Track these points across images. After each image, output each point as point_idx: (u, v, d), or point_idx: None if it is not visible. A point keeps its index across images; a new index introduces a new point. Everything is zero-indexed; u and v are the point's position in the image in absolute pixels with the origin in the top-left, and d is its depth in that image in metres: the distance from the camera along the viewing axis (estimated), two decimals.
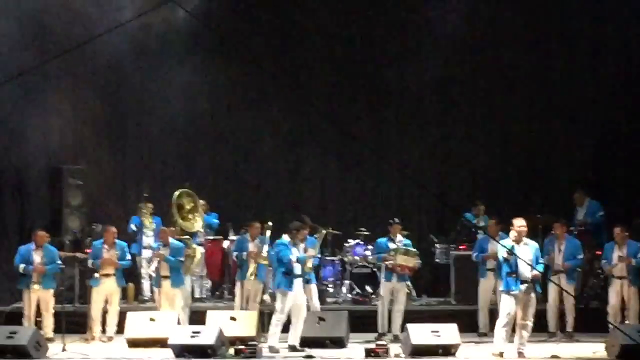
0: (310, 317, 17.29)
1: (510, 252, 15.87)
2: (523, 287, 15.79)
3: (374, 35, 22.34)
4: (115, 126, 22.46)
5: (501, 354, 15.85)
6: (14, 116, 21.06)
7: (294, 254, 16.85)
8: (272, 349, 16.39)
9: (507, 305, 15.95)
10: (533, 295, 15.99)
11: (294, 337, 16.51)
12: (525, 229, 16.14)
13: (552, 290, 17.63)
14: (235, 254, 18.82)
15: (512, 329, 15.98)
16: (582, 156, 21.73)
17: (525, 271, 15.84)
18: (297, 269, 16.89)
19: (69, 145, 21.84)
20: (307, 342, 16.74)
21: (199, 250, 19.07)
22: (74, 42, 20.51)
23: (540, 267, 16.43)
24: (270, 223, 18.78)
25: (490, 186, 21.93)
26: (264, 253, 18.44)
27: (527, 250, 16.01)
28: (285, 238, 17.24)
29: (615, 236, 17.60)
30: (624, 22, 21.35)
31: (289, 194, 22.29)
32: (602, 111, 21.85)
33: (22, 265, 17.89)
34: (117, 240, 18.43)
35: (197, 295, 19.90)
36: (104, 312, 18.17)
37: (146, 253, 19.59)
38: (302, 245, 17.28)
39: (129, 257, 18.59)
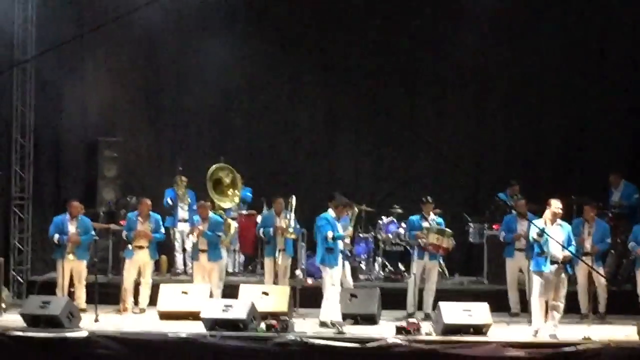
0: (342, 294, 17.28)
1: (542, 232, 15.94)
2: (553, 267, 15.88)
3: (411, 13, 22.12)
4: (151, 99, 22.57)
5: (535, 333, 15.91)
6: (51, 88, 21.26)
7: (336, 230, 17.05)
8: (339, 324, 16.35)
9: (538, 284, 16.08)
10: (564, 275, 16.06)
11: (326, 314, 16.59)
12: (561, 210, 16.22)
13: (581, 272, 17.57)
14: (261, 230, 18.91)
15: (545, 311, 16.05)
16: (619, 138, 21.61)
17: (557, 252, 15.91)
18: (339, 245, 17.08)
19: (106, 117, 22.07)
20: (326, 325, 16.70)
21: (233, 225, 19.16)
22: (111, 14, 20.92)
23: (572, 249, 16.40)
24: (294, 197, 18.89)
25: (525, 166, 21.90)
26: (291, 228, 18.54)
27: (560, 231, 16.09)
28: (331, 213, 17.44)
29: None
30: None
31: (323, 171, 22.23)
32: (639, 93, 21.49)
33: (56, 236, 18.11)
34: (151, 213, 18.58)
35: (230, 270, 19.93)
36: (137, 284, 18.34)
37: (181, 226, 19.88)
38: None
39: (162, 230, 18.82)
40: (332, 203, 17.73)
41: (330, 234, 17.02)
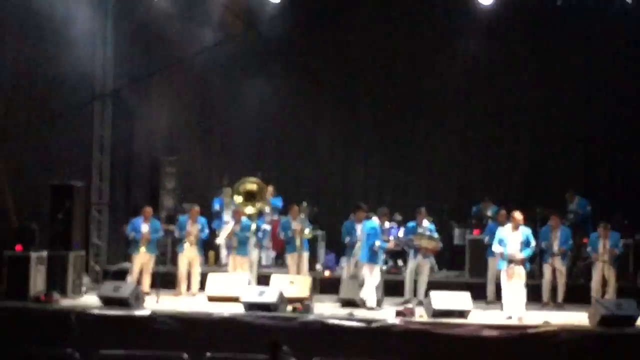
0: (354, 284, 17.34)
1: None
2: (510, 265, 16.14)
3: (411, 61, 22.23)
4: (203, 125, 22.73)
5: (507, 317, 15.97)
6: (124, 115, 21.28)
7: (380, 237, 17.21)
8: (378, 302, 16.85)
9: (503, 279, 16.31)
10: (522, 271, 16.21)
11: (366, 295, 16.91)
12: (521, 220, 16.40)
13: (547, 269, 17.69)
14: (282, 233, 18.87)
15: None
16: (574, 163, 21.80)
17: (515, 252, 16.15)
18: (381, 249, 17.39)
19: (167, 140, 22.30)
20: (350, 302, 16.84)
21: (264, 230, 19.23)
22: (175, 56, 21.33)
23: (527, 252, 16.50)
24: (305, 204, 18.97)
25: (499, 183, 21.88)
26: (306, 230, 18.51)
27: (520, 235, 16.26)
28: (376, 221, 17.51)
29: (599, 231, 17.54)
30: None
31: (339, 185, 22.26)
32: (591, 129, 21.81)
33: (132, 233, 18.23)
34: (199, 217, 18.59)
35: (264, 263, 19.96)
36: (189, 274, 18.42)
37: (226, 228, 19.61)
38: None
39: (207, 230, 18.75)
40: (380, 211, 17.81)
41: (377, 243, 17.13)
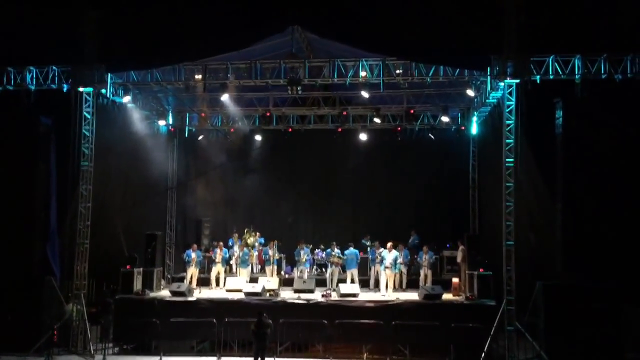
0: (300, 281, 17.10)
1: (381, 257, 16.97)
2: (385, 268, 16.78)
3: (325, 169, 21.61)
4: (223, 203, 21.59)
5: (383, 295, 16.45)
6: (183, 197, 21.49)
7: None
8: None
9: (383, 274, 16.81)
10: (391, 272, 16.80)
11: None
12: (391, 247, 17.10)
13: (397, 272, 17.47)
14: (264, 256, 18.53)
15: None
16: (411, 217, 20.61)
17: (389, 261, 16.90)
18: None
19: (204, 209, 21.64)
20: (299, 290, 16.54)
21: (254, 254, 19.18)
22: (207, 168, 21.67)
23: (398, 262, 16.99)
24: (276, 241, 18.39)
25: (375, 228, 19.88)
26: (276, 254, 18.18)
27: (393, 254, 17.02)
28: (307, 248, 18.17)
29: (424, 250, 17.71)
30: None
31: (292, 231, 21.16)
32: (418, 198, 20.72)
33: (186, 258, 18.06)
34: (224, 248, 18.41)
35: (254, 272, 19.36)
36: (217, 278, 18.24)
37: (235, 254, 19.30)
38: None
39: (227, 255, 18.50)
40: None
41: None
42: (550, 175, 15.96)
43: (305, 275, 18.19)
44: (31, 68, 15.71)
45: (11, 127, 16.19)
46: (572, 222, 15.54)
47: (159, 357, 14.65)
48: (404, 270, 17.75)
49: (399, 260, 17.19)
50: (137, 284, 16.47)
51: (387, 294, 16.76)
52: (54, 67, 15.67)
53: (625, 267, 14.61)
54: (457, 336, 14.40)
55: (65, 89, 15.63)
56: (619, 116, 14.91)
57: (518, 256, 14.26)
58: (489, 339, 14.16)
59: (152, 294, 16.58)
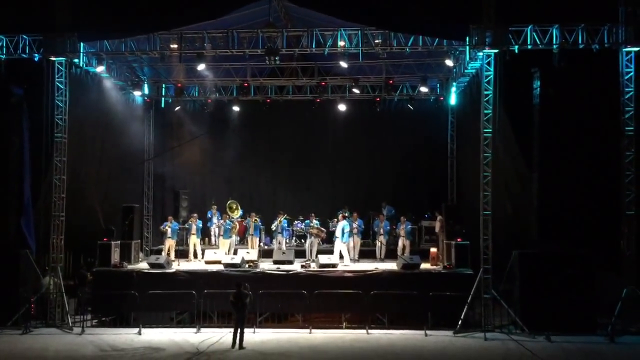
0: (279, 253, 17.06)
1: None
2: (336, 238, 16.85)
3: (307, 138, 21.36)
4: (201, 174, 21.67)
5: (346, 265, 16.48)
6: (160, 170, 21.21)
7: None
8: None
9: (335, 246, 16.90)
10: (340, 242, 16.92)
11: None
12: (341, 217, 17.29)
13: (377, 242, 17.85)
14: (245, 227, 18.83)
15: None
16: (388, 187, 20.65)
17: (338, 232, 16.93)
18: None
19: (182, 181, 21.33)
20: (278, 262, 16.56)
21: (236, 225, 19.07)
22: (184, 139, 21.21)
23: (345, 237, 16.95)
24: (254, 213, 18.30)
25: (350, 199, 20.05)
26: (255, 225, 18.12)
27: (340, 224, 17.10)
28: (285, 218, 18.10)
29: (401, 220, 17.76)
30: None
31: (271, 202, 20.96)
32: (395, 169, 20.71)
33: (161, 229, 18.15)
34: (197, 220, 18.29)
35: (235, 243, 18.82)
36: (195, 250, 18.27)
37: (214, 226, 19.24)
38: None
39: (200, 226, 18.35)
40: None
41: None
42: (527, 145, 16.08)
43: (284, 246, 18.26)
44: (1, 37, 15.32)
45: None
46: (547, 191, 15.73)
47: (138, 329, 14.70)
48: (383, 240, 17.91)
49: (347, 229, 17.12)
50: (115, 257, 16.35)
51: (341, 263, 16.41)
52: (24, 36, 15.32)
53: (599, 235, 14.86)
54: (435, 305, 14.60)
55: (36, 59, 15.47)
56: (595, 86, 15.04)
57: (495, 225, 14.43)
58: (466, 306, 14.38)
59: (130, 266, 16.59)
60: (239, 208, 19.50)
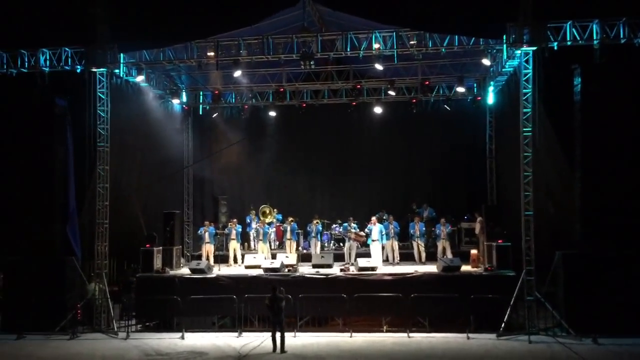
0: (318, 257, 17.10)
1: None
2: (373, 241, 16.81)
3: (344, 143, 21.52)
4: (242, 179, 21.84)
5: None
6: (201, 176, 21.57)
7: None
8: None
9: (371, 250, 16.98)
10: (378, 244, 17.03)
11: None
12: (374, 220, 17.32)
13: (415, 244, 17.67)
14: (283, 232, 18.98)
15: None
16: (426, 189, 20.81)
17: (376, 235, 16.98)
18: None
19: (221, 187, 21.89)
20: (318, 265, 16.61)
21: (272, 230, 19.25)
22: (221, 146, 21.19)
23: (383, 239, 17.07)
24: (291, 218, 18.58)
25: (388, 205, 19.94)
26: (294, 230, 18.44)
27: (377, 227, 17.14)
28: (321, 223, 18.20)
29: (441, 223, 17.60)
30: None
31: (308, 208, 20.66)
32: (433, 172, 20.80)
33: (198, 233, 18.24)
34: (237, 225, 18.32)
35: (273, 248, 19.41)
36: (235, 255, 18.23)
37: (253, 230, 19.43)
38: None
39: (240, 231, 18.42)
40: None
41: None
42: (568, 143, 15.67)
43: (318, 250, 18.27)
44: (44, 50, 15.76)
45: (27, 109, 16.24)
46: (590, 191, 15.32)
47: (181, 334, 14.90)
48: (421, 243, 17.74)
49: (384, 232, 17.20)
50: (157, 262, 16.54)
51: (380, 266, 16.32)
52: (66, 49, 15.74)
53: None
54: (477, 307, 14.45)
55: (79, 70, 15.81)
56: (639, 81, 14.64)
57: (536, 226, 14.24)
58: (509, 309, 14.20)
59: (172, 272, 16.75)
60: (273, 212, 19.59)
